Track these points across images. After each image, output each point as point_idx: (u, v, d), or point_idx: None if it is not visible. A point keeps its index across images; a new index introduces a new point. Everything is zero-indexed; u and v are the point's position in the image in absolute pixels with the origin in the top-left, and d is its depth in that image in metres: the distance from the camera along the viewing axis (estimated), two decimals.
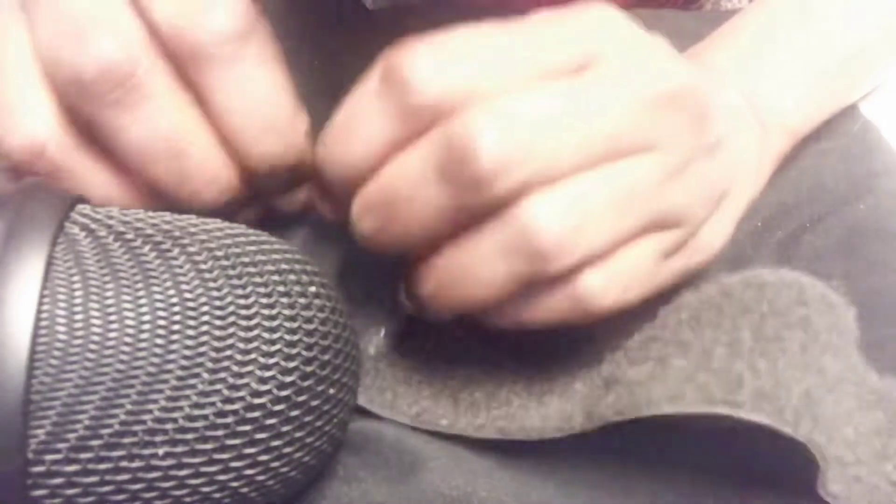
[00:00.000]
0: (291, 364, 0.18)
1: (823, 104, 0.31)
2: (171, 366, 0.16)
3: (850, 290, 0.22)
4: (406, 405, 0.24)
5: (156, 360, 0.16)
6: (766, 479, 0.21)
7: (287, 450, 0.18)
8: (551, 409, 0.22)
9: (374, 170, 0.20)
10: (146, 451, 0.16)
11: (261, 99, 0.21)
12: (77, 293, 0.16)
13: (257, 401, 0.17)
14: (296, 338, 0.18)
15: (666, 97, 0.20)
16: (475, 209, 0.20)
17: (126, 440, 0.16)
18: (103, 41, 0.19)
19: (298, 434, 0.18)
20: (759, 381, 0.19)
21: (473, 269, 0.20)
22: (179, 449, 0.16)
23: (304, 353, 0.18)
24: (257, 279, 0.18)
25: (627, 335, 0.23)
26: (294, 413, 0.18)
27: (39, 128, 0.20)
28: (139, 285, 0.17)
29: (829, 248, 0.28)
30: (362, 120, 0.20)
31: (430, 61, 0.19)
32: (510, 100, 0.19)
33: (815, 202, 0.29)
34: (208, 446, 0.17)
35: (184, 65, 0.20)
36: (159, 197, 0.21)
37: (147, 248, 0.17)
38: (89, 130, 0.21)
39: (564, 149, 0.19)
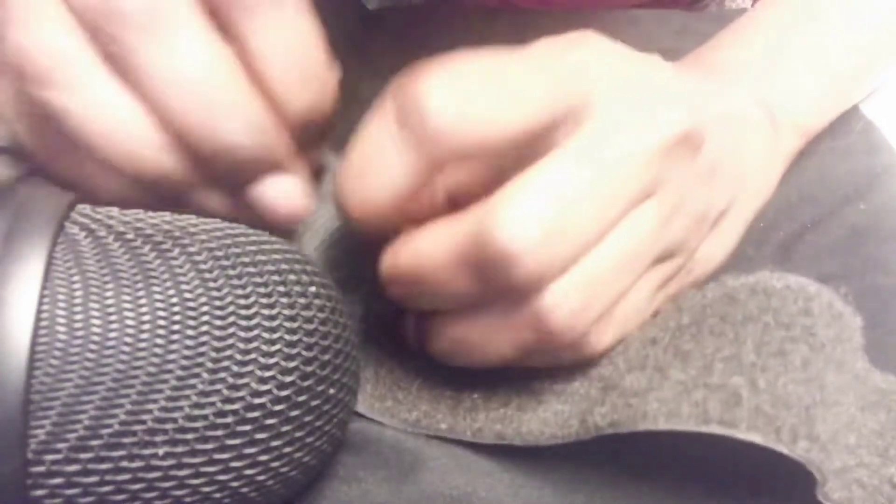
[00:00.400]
0: (291, 364, 0.18)
1: (834, 102, 0.31)
2: (171, 366, 0.16)
3: (852, 292, 0.22)
4: (405, 411, 0.24)
5: (156, 359, 0.16)
6: (765, 485, 0.21)
7: (287, 450, 0.18)
8: (549, 413, 0.22)
9: (397, 210, 0.20)
10: (146, 451, 0.16)
11: (301, 47, 0.20)
12: (77, 293, 0.16)
13: (257, 401, 0.17)
14: (296, 338, 0.18)
15: (665, 146, 0.20)
16: (496, 293, 0.20)
17: (126, 440, 0.16)
18: (31, 27, 0.18)
19: (298, 434, 0.18)
20: (758, 398, 0.19)
21: (487, 338, 0.21)
22: (179, 449, 0.16)
23: (304, 353, 0.18)
24: (257, 279, 0.18)
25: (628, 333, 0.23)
26: (294, 413, 0.18)
27: (62, 36, 0.18)
28: (139, 285, 0.17)
29: (830, 247, 0.28)
30: (381, 158, 0.20)
31: (447, 90, 0.19)
32: (533, 190, 0.19)
33: (817, 202, 0.29)
34: (208, 446, 0.17)
35: (222, 15, 0.19)
36: (183, 138, 0.19)
37: (147, 247, 0.17)
38: (112, 57, 0.19)
39: (585, 224, 0.20)
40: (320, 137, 0.23)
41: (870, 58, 0.32)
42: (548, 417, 0.22)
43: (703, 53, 0.29)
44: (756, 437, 0.18)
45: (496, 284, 0.20)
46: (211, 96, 0.19)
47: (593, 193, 0.19)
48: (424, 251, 0.20)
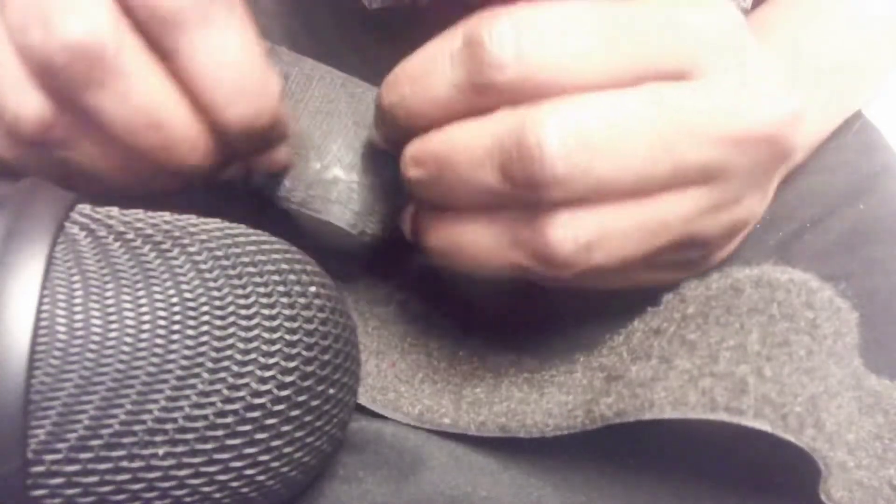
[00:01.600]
0: (291, 364, 0.18)
1: (837, 113, 0.30)
2: (171, 366, 0.16)
3: (851, 291, 0.22)
4: (408, 405, 0.24)
5: (156, 359, 0.16)
6: (766, 483, 0.21)
7: (287, 450, 0.18)
8: (552, 403, 0.22)
9: (434, 125, 0.21)
10: (146, 451, 0.16)
11: (230, 61, 0.21)
12: (77, 293, 0.16)
13: (257, 401, 0.17)
14: (296, 338, 0.18)
15: (750, 136, 0.20)
16: (517, 201, 0.20)
17: (126, 440, 0.16)
18: (70, 24, 0.19)
19: (298, 434, 0.18)
20: (765, 386, 0.19)
21: (485, 246, 0.21)
22: (179, 449, 0.16)
23: (304, 352, 0.18)
24: (257, 279, 0.18)
25: (629, 318, 0.23)
26: (294, 413, 0.18)
27: (35, 105, 0.20)
28: (139, 285, 0.17)
29: (829, 247, 0.28)
30: (433, 75, 0.20)
31: (516, 38, 0.19)
32: (586, 107, 0.19)
33: (815, 203, 0.29)
34: (208, 446, 0.17)
35: (153, 33, 0.20)
36: (148, 163, 0.21)
37: (147, 247, 0.17)
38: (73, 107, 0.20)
39: (627, 161, 0.19)
40: (274, 141, 0.24)
41: (873, 68, 0.31)
42: (552, 408, 0.22)
43: None
44: (764, 425, 0.18)
45: (518, 184, 0.19)
46: (162, 133, 0.21)
47: (650, 137, 0.19)
48: (459, 138, 0.20)
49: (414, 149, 0.21)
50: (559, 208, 0.19)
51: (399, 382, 0.24)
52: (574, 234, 0.19)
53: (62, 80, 0.19)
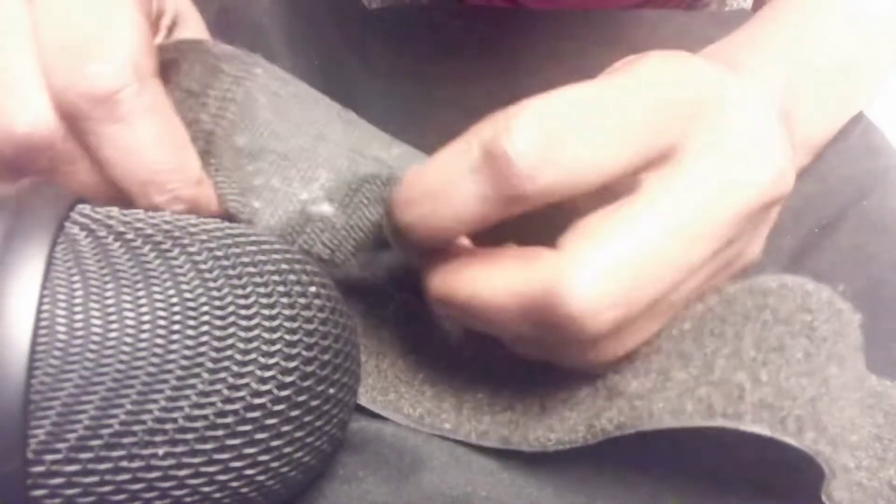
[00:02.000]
0: (291, 364, 0.18)
1: (839, 115, 0.30)
2: (171, 366, 0.16)
3: (856, 291, 0.22)
4: (409, 406, 0.24)
5: (156, 359, 0.16)
6: (768, 484, 0.21)
7: (287, 450, 0.18)
8: (554, 419, 0.22)
9: (461, 234, 0.20)
10: (146, 451, 0.16)
11: (138, 154, 0.21)
12: (77, 293, 0.16)
13: (257, 401, 0.17)
14: (296, 338, 0.18)
15: (754, 209, 0.20)
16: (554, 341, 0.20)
17: (126, 440, 0.16)
18: (16, 119, 0.20)
19: (298, 434, 0.18)
20: (761, 390, 0.19)
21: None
22: (179, 449, 0.16)
23: (304, 353, 0.18)
24: (257, 279, 0.18)
25: None
26: (294, 413, 0.18)
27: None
28: (139, 285, 0.17)
29: (840, 253, 0.28)
30: (455, 192, 0.19)
31: (540, 145, 0.18)
32: (611, 255, 0.19)
33: (822, 207, 0.29)
34: (208, 446, 0.17)
35: (76, 126, 0.21)
36: None
37: (147, 248, 0.17)
38: None
39: (656, 288, 0.19)
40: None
41: (874, 69, 0.31)
42: (553, 423, 0.22)
43: (719, 53, 0.28)
44: (762, 429, 0.18)
45: (558, 340, 0.20)
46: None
47: (671, 252, 0.19)
48: (484, 290, 0.20)
49: (437, 289, 0.21)
50: (599, 340, 0.20)
51: (400, 383, 0.24)
52: (611, 350, 0.20)
53: (19, 163, 0.21)
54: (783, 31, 0.29)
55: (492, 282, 0.20)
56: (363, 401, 0.23)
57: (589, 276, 0.18)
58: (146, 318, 0.16)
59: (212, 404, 0.16)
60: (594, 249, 0.19)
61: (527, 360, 0.24)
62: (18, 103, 0.20)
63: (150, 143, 0.21)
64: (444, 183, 0.19)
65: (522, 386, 0.24)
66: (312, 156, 0.23)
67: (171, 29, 0.26)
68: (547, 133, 0.18)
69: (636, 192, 0.19)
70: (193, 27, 0.28)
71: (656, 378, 0.21)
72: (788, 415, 0.18)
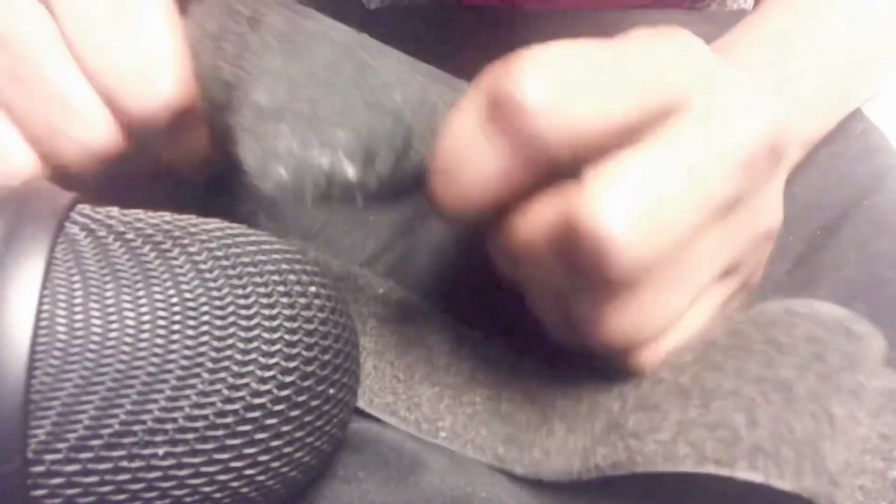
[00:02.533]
0: (291, 364, 0.18)
1: (834, 112, 0.30)
2: (171, 365, 0.16)
3: (856, 289, 0.22)
4: (405, 409, 0.23)
5: (156, 359, 0.16)
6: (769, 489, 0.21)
7: (287, 450, 0.18)
8: (552, 440, 0.22)
9: (493, 203, 0.19)
10: (146, 451, 0.16)
11: (128, 54, 0.21)
12: (77, 293, 0.16)
13: (257, 401, 0.17)
14: (296, 338, 0.18)
15: (762, 148, 0.20)
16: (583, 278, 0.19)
17: (126, 440, 0.16)
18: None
19: (298, 434, 0.18)
20: (757, 434, 0.18)
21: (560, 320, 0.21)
22: (179, 449, 0.16)
23: (304, 353, 0.18)
24: (257, 279, 0.18)
25: None
26: (294, 413, 0.18)
27: None
28: (139, 285, 0.17)
29: (844, 250, 0.28)
30: (474, 154, 0.19)
31: (548, 84, 0.18)
32: (629, 182, 0.18)
33: (823, 210, 0.29)
34: (208, 446, 0.17)
35: (64, 27, 0.21)
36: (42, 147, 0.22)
37: (147, 247, 0.17)
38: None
39: (680, 220, 0.19)
40: (183, 127, 0.23)
41: (871, 64, 0.31)
42: (550, 447, 0.22)
43: None
44: (756, 476, 0.18)
45: (583, 281, 0.19)
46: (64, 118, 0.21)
47: (691, 188, 0.18)
48: (520, 233, 0.20)
49: (492, 249, 0.21)
50: (623, 289, 0.19)
51: (397, 382, 0.24)
52: (638, 323, 0.20)
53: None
54: (774, 29, 0.29)
55: (524, 223, 0.19)
56: (360, 403, 0.23)
57: (615, 199, 0.18)
58: (146, 318, 0.16)
59: (212, 404, 0.16)
60: (619, 176, 0.18)
61: (530, 367, 0.24)
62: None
63: (138, 36, 0.21)
64: (458, 148, 0.19)
65: (521, 398, 0.24)
66: (328, 113, 0.22)
67: None
68: (555, 76, 0.18)
69: (650, 136, 0.19)
70: None
71: (653, 415, 0.20)
72: (786, 460, 0.18)
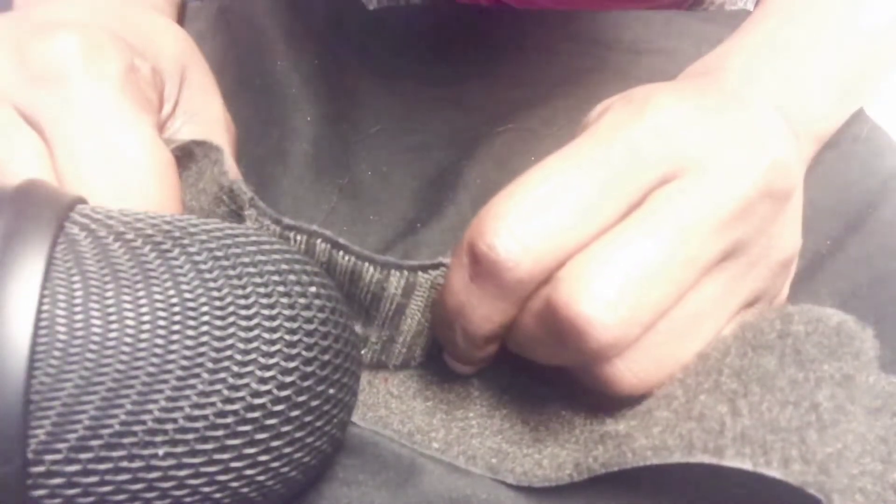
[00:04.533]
0: (291, 364, 0.18)
1: (844, 106, 0.30)
2: (171, 366, 0.16)
3: (861, 288, 0.22)
4: (398, 422, 0.23)
5: (156, 360, 0.16)
6: (768, 485, 0.21)
7: (287, 450, 0.18)
8: (544, 455, 0.22)
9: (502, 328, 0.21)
10: (146, 452, 0.16)
11: (107, 177, 0.22)
12: (77, 293, 0.16)
13: (257, 401, 0.17)
14: (296, 338, 0.18)
15: (742, 205, 0.20)
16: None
17: (126, 440, 0.16)
18: None
19: (298, 434, 0.18)
20: (742, 423, 0.18)
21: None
22: (179, 449, 0.16)
23: (304, 353, 0.18)
24: (257, 279, 0.18)
25: None
26: (294, 413, 0.18)
27: None
28: (139, 285, 0.17)
29: (847, 252, 0.28)
30: (473, 309, 0.21)
31: (512, 233, 0.19)
32: (610, 260, 0.19)
33: (834, 214, 0.29)
34: (208, 446, 0.17)
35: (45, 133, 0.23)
36: None
37: (147, 248, 0.17)
38: None
39: (660, 294, 0.19)
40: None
41: (879, 57, 0.31)
42: (542, 459, 0.22)
43: (711, 62, 0.29)
44: (743, 463, 0.18)
45: (572, 353, 0.20)
46: None
47: (670, 258, 0.19)
48: (518, 324, 0.21)
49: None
50: (618, 357, 0.20)
51: (391, 398, 0.24)
52: (635, 367, 0.20)
53: None
54: (778, 26, 0.29)
55: (524, 330, 0.21)
56: (354, 417, 0.23)
57: (588, 282, 0.19)
58: (146, 318, 0.16)
59: (212, 404, 0.16)
60: (594, 260, 0.19)
61: (523, 382, 0.24)
62: None
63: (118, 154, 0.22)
64: (456, 303, 0.21)
65: (514, 415, 0.24)
66: None
67: (177, 102, 0.27)
68: (518, 223, 0.19)
69: (633, 215, 0.20)
70: (199, 80, 0.29)
71: (643, 418, 0.20)
72: (772, 448, 0.18)
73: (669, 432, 0.19)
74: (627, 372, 0.20)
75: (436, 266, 0.23)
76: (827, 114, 0.29)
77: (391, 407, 0.24)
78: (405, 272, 0.23)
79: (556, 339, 0.20)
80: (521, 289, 0.20)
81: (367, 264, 0.22)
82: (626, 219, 0.20)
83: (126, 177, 0.22)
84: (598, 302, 0.19)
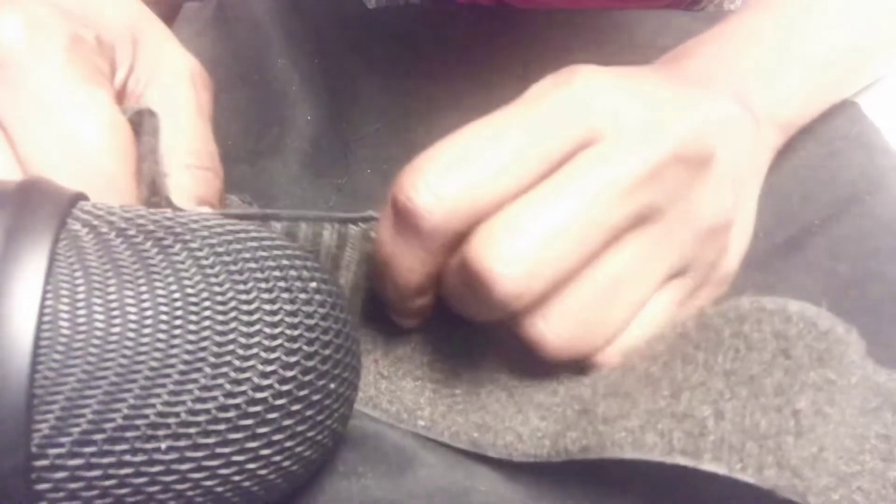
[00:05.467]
0: (293, 359, 0.18)
1: (814, 96, 0.30)
2: (173, 360, 0.16)
3: (853, 284, 0.22)
4: (386, 402, 0.24)
5: (158, 354, 0.16)
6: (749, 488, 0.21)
7: (288, 444, 0.18)
8: (526, 428, 0.22)
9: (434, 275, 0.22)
10: (149, 446, 0.16)
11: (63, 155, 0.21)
12: (80, 289, 0.16)
13: (259, 395, 0.17)
14: (297, 333, 0.18)
15: (651, 170, 0.21)
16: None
17: (129, 434, 0.16)
18: None
19: (300, 428, 0.18)
20: (723, 427, 0.19)
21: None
22: (182, 443, 0.16)
23: (305, 347, 0.18)
24: (258, 274, 0.18)
25: None
26: (295, 407, 0.18)
27: None
28: (141, 280, 0.17)
29: (838, 249, 0.28)
30: (398, 259, 0.22)
31: (428, 185, 0.20)
32: (516, 220, 0.20)
33: (819, 204, 0.29)
34: (210, 440, 0.17)
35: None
36: None
37: (149, 243, 0.17)
38: None
39: (567, 254, 0.20)
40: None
41: (857, 52, 0.31)
42: (523, 433, 0.22)
43: (679, 53, 0.29)
44: (719, 468, 0.18)
45: (483, 303, 0.21)
46: None
47: (573, 223, 0.20)
48: (444, 279, 0.22)
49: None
50: (533, 314, 0.21)
51: (380, 378, 0.25)
52: (557, 326, 0.21)
53: None
54: (752, 16, 0.30)
55: (446, 283, 0.22)
56: None
57: (495, 240, 0.20)
58: (148, 313, 0.16)
59: (214, 399, 0.17)
60: (503, 220, 0.20)
61: (508, 360, 0.24)
62: None
63: (77, 138, 0.21)
64: (386, 254, 0.22)
65: (500, 389, 0.24)
66: None
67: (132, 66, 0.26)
68: (431, 173, 0.20)
69: (547, 179, 0.21)
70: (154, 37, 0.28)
71: (623, 402, 0.21)
72: (749, 454, 0.18)
73: (651, 427, 0.19)
74: (548, 332, 0.21)
75: (366, 219, 0.24)
76: (797, 103, 0.29)
77: (380, 388, 0.24)
78: (336, 225, 0.24)
79: (472, 293, 0.21)
80: (437, 237, 0.21)
81: (302, 224, 0.24)
82: (542, 181, 0.21)
83: (83, 159, 0.22)
84: (502, 256, 0.20)
